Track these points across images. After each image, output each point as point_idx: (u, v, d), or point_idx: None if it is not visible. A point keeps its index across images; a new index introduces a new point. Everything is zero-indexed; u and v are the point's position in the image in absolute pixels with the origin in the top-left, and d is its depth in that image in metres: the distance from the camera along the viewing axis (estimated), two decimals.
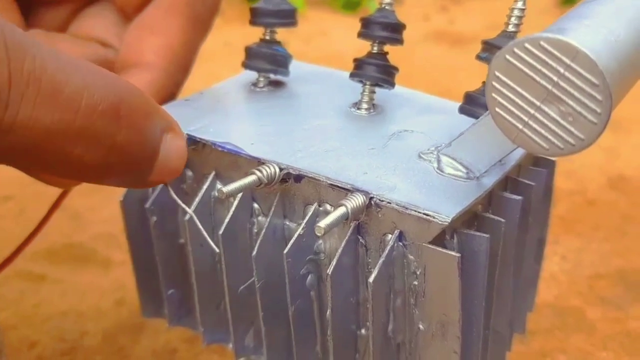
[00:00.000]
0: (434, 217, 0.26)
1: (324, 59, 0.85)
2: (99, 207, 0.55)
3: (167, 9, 0.34)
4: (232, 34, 0.81)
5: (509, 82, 0.23)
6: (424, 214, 0.26)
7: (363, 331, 0.30)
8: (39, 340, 0.43)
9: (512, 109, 0.23)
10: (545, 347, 0.43)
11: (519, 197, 0.29)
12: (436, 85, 0.78)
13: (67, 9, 0.36)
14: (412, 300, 0.28)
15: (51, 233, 0.50)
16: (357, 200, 0.27)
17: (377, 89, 0.32)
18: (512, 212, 0.29)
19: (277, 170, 0.28)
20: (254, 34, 0.34)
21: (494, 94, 0.23)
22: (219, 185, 0.31)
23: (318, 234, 0.26)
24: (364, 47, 0.32)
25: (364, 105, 0.32)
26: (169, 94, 0.33)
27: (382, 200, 0.26)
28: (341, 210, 0.26)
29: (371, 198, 0.27)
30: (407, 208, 0.26)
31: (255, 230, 0.31)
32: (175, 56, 0.33)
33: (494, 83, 0.23)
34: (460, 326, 0.27)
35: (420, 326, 0.28)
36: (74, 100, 0.22)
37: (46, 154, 0.22)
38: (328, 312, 0.28)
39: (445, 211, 0.26)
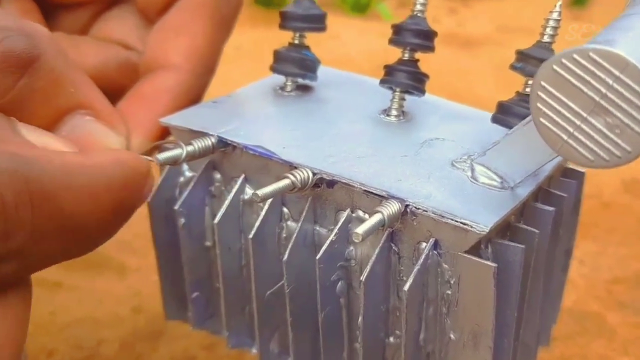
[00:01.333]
0: (471, 227, 0.25)
1: (334, 62, 0.84)
2: None
3: (192, 11, 0.33)
4: (242, 38, 0.80)
5: (555, 92, 0.23)
6: (462, 223, 0.25)
7: (391, 339, 0.30)
8: (56, 349, 0.42)
9: (558, 119, 0.23)
10: (566, 353, 0.43)
11: (552, 209, 0.29)
12: (446, 88, 0.77)
13: (88, 12, 0.36)
14: (444, 309, 0.28)
15: None
16: (392, 207, 0.26)
17: (406, 96, 0.32)
18: (544, 223, 0.29)
19: (310, 175, 0.28)
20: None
21: (539, 104, 0.23)
22: (248, 189, 0.31)
23: (356, 240, 0.25)
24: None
25: (394, 112, 0.32)
26: (196, 96, 0.33)
27: (418, 208, 0.26)
28: (377, 217, 0.26)
29: (407, 205, 0.26)
30: (443, 216, 0.26)
31: (284, 235, 0.30)
32: (202, 57, 0.33)
33: (540, 93, 0.23)
34: (492, 337, 0.27)
35: (452, 336, 0.28)
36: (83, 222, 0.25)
37: None
38: (359, 320, 0.28)
39: (483, 221, 0.25)
